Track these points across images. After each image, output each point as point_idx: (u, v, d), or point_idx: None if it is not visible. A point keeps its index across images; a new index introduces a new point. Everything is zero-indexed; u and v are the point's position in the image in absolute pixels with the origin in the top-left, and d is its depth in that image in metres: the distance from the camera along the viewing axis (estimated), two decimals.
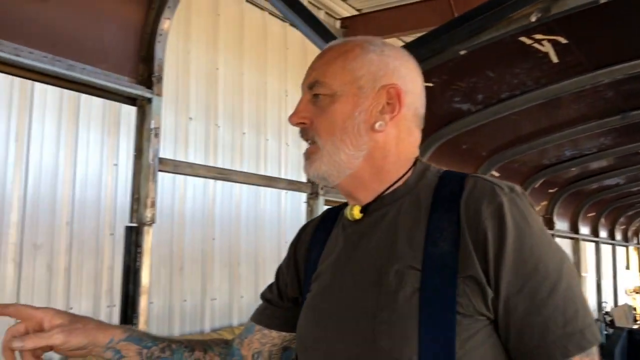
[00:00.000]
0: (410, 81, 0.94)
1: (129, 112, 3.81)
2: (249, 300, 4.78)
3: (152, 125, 1.66)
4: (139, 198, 1.71)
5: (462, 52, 2.00)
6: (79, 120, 3.57)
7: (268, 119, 5.04)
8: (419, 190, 0.90)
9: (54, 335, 0.93)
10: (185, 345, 1.07)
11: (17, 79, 3.14)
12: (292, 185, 2.46)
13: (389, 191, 0.92)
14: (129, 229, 1.74)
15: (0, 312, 0.95)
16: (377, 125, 0.90)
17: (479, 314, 0.79)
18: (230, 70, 4.74)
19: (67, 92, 3.49)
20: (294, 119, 0.94)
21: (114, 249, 3.71)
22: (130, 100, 1.69)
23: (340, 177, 0.92)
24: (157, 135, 1.68)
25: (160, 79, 1.68)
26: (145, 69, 1.68)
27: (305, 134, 0.94)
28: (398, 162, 0.93)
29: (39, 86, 3.37)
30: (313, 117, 0.92)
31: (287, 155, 5.21)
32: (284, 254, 1.11)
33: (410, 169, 0.93)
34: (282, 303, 1.07)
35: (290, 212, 5.22)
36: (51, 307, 0.99)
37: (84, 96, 3.56)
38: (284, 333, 1.07)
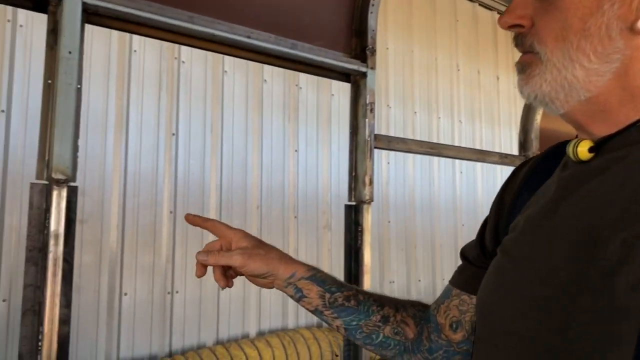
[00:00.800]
0: None
1: (308, 98, 3.90)
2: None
3: (368, 100, 1.62)
4: (356, 176, 1.67)
5: None
6: (263, 108, 3.73)
7: (440, 96, 4.86)
8: None
9: (233, 256, 0.91)
10: (375, 299, 0.96)
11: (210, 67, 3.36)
12: (505, 159, 2.29)
13: None
14: (348, 208, 1.72)
15: (200, 224, 0.98)
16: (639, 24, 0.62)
17: None
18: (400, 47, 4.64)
19: (252, 82, 3.66)
20: (507, 19, 0.68)
21: (298, 232, 3.84)
22: (344, 76, 1.66)
23: (570, 102, 0.66)
24: (372, 110, 1.64)
25: (373, 52, 1.63)
26: (358, 43, 1.64)
27: (520, 41, 0.69)
28: None
29: (226, 78, 3.57)
30: (535, 15, 0.67)
31: (460, 135, 4.99)
32: None
33: None
34: (484, 261, 0.83)
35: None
36: (241, 229, 0.97)
37: (266, 85, 3.71)
38: None
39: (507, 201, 0.81)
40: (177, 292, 3.30)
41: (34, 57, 2.86)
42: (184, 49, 3.42)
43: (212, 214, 3.45)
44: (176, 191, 3.33)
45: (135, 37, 3.22)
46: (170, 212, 3.29)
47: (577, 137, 0.71)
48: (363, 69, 1.61)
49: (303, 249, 3.86)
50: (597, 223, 0.61)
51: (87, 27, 1.12)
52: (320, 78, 3.94)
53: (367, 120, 1.62)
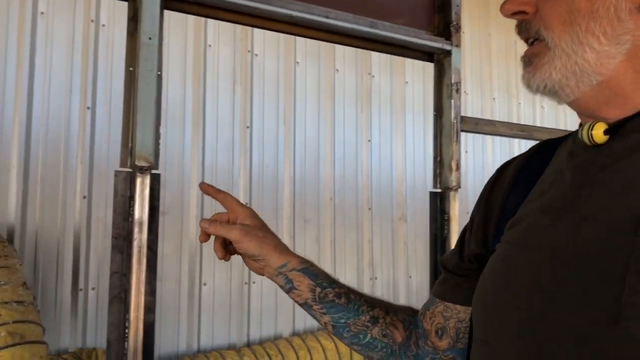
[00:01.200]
0: None
1: (381, 87, 3.82)
2: None
3: (453, 80, 1.53)
4: (441, 161, 1.59)
5: None
6: (335, 98, 3.69)
7: (520, 81, 4.61)
8: None
9: (232, 230, 0.94)
10: (366, 300, 0.96)
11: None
12: None
13: None
14: (433, 195, 1.64)
15: (213, 194, 1.01)
16: None
17: None
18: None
19: (323, 73, 3.63)
20: (510, 6, 0.68)
21: (372, 223, 3.77)
22: (426, 55, 1.58)
23: (581, 87, 0.64)
24: (457, 90, 1.54)
25: (458, 29, 1.53)
26: (441, 19, 1.55)
27: (525, 28, 0.69)
28: None
29: (299, 70, 3.56)
30: (538, 1, 0.66)
31: (542, 122, 4.72)
32: None
33: None
34: (465, 269, 0.85)
35: None
36: (251, 209, 1.00)
37: (338, 75, 3.66)
38: (470, 307, 0.81)
39: (495, 201, 0.80)
40: (254, 282, 3.34)
41: (115, 55, 2.96)
42: (257, 41, 3.43)
43: (285, 206, 3.46)
44: (251, 183, 3.36)
45: (210, 32, 3.27)
46: (246, 204, 3.32)
47: (568, 135, 0.72)
48: (447, 47, 1.52)
49: (378, 241, 3.79)
50: (636, 203, 0.58)
51: (165, 14, 1.11)
52: (393, 65, 3.84)
53: (452, 101, 1.53)
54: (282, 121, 3.48)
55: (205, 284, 3.18)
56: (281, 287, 0.99)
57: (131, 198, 1.02)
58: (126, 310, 1.00)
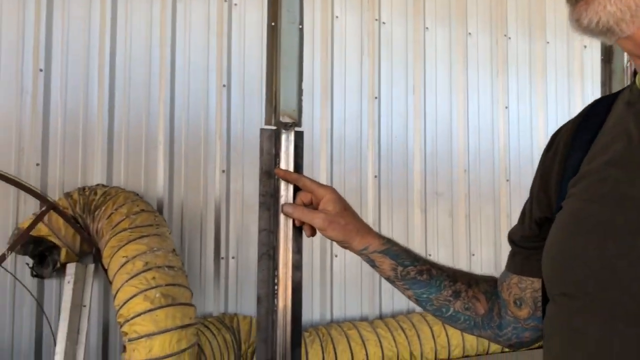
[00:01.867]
0: None
1: (519, 49, 3.54)
2: None
3: None
4: None
5: None
6: (468, 63, 3.49)
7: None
8: None
9: (315, 219, 0.98)
10: (448, 275, 0.99)
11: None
12: None
13: None
14: None
15: (288, 177, 1.01)
16: None
17: None
18: None
19: (455, 37, 3.44)
20: None
21: (511, 196, 3.55)
22: None
23: (637, 22, 0.61)
24: None
25: None
26: None
27: None
28: None
29: (428, 36, 3.41)
30: None
31: None
32: None
33: None
34: (532, 241, 0.86)
35: None
36: (334, 190, 1.02)
37: (471, 38, 3.46)
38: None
39: (554, 164, 0.81)
40: None
41: (247, 33, 3.05)
42: (384, 8, 3.34)
43: (416, 179, 3.36)
44: (380, 156, 3.30)
45: (337, 3, 3.24)
46: (375, 177, 3.28)
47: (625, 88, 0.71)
48: None
49: (516, 214, 3.55)
50: None
51: None
52: (532, 25, 3.53)
53: None
54: (411, 90, 3.37)
55: (336, 256, 3.21)
56: (366, 262, 1.05)
57: (276, 155, 1.01)
58: (275, 267, 1.00)
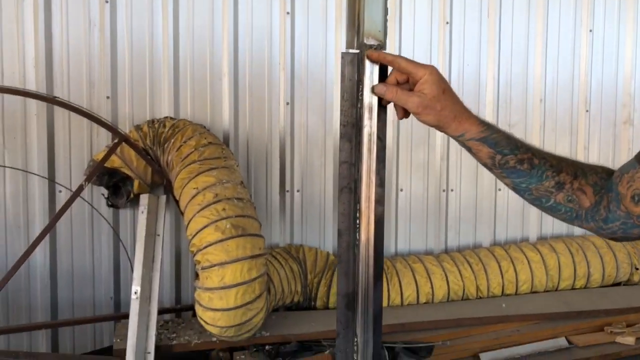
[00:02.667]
0: None
1: None
2: None
3: None
4: None
5: None
6: None
7: None
8: None
9: (409, 101, 0.91)
10: (552, 165, 0.92)
11: None
12: None
13: None
14: None
15: (382, 59, 0.91)
16: None
17: None
18: None
19: None
20: None
21: (589, 128, 3.33)
22: None
23: None
24: None
25: None
26: None
27: None
28: None
29: None
30: None
31: None
32: None
33: None
34: None
35: None
36: (435, 69, 0.93)
37: None
38: None
39: None
40: (452, 190, 3.21)
41: None
42: None
43: (488, 110, 3.20)
44: (451, 84, 3.13)
45: None
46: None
47: None
48: None
49: (595, 146, 3.35)
50: None
51: None
52: None
53: None
54: (485, 14, 3.13)
55: (401, 190, 3.15)
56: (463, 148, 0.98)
57: (359, 82, 0.94)
58: (356, 200, 0.95)
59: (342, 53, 0.93)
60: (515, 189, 0.95)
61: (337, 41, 2.96)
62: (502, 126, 3.21)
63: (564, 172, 0.92)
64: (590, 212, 0.92)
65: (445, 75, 3.12)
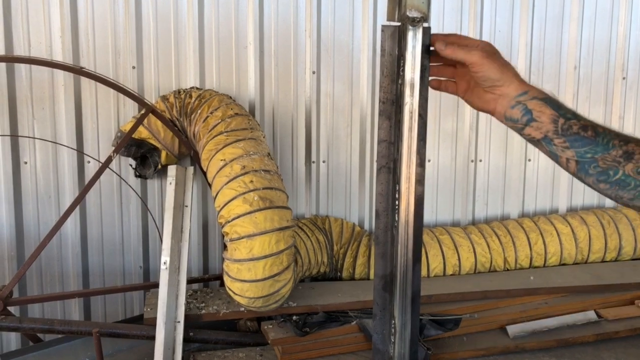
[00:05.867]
0: None
1: None
2: None
3: None
4: None
5: None
6: None
7: None
8: None
9: (472, 52, 0.86)
10: (617, 134, 0.86)
11: None
12: None
13: None
14: None
15: (453, 54, 0.87)
16: None
17: None
18: None
19: None
20: None
21: (626, 96, 3.21)
22: None
23: None
24: None
25: None
26: None
27: None
28: None
29: None
30: None
31: None
32: None
33: None
34: None
35: None
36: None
37: None
38: None
39: None
40: (480, 160, 3.15)
41: None
42: None
43: None
44: None
45: None
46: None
47: None
48: None
49: (631, 115, 3.23)
50: None
51: None
52: None
53: None
54: None
55: (429, 160, 3.10)
56: (515, 122, 0.90)
57: (401, 57, 0.89)
58: (396, 181, 0.92)
59: (383, 26, 0.89)
60: (579, 162, 0.87)
61: (364, 8, 2.87)
62: None
63: (632, 142, 0.86)
64: None
65: None
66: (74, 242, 2.77)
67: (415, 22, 0.85)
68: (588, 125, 0.87)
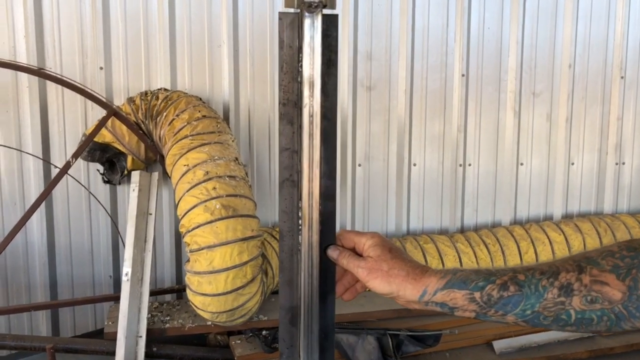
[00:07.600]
0: None
1: None
2: None
3: None
4: None
5: None
6: None
7: None
8: None
9: (359, 268, 0.80)
10: (542, 271, 0.74)
11: None
12: None
13: None
14: None
15: (334, 254, 0.82)
16: None
17: None
18: None
19: None
20: None
21: (624, 96, 3.03)
22: None
23: None
24: None
25: None
26: None
27: None
28: None
29: None
30: None
31: None
32: None
33: None
34: None
35: None
36: (377, 234, 0.84)
37: None
38: None
39: None
40: (469, 164, 2.99)
41: None
42: None
43: (510, 76, 2.94)
44: (469, 50, 2.89)
45: None
46: (462, 75, 2.90)
47: None
48: None
49: (630, 116, 3.06)
50: None
51: None
52: None
53: None
54: None
55: (414, 165, 2.95)
56: (441, 313, 0.81)
57: (300, 50, 0.75)
58: (299, 196, 0.78)
59: (280, 13, 0.75)
60: (526, 321, 0.76)
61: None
62: (526, 95, 2.96)
63: (563, 271, 0.74)
64: (630, 304, 0.71)
65: (463, 40, 2.87)
66: (41, 251, 2.65)
67: (312, 7, 0.71)
68: (506, 282, 0.75)
